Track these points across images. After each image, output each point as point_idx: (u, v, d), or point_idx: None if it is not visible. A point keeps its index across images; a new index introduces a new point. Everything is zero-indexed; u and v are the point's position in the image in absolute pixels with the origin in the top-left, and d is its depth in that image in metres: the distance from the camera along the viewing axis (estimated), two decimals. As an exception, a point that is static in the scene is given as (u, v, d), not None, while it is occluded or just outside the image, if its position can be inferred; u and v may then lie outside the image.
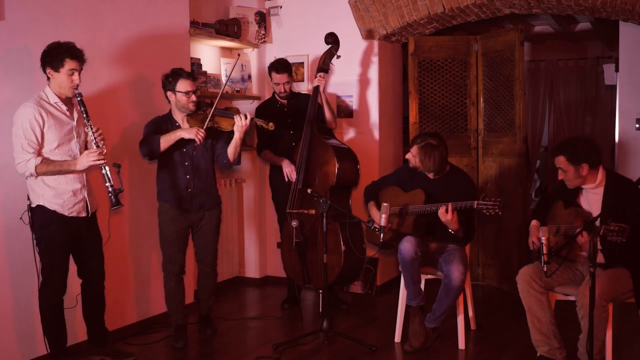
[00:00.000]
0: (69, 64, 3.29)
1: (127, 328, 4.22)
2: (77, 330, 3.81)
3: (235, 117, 3.85)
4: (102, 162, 3.33)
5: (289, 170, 4.59)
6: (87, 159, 3.32)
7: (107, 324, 3.94)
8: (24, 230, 3.52)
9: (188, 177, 3.95)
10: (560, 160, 3.38)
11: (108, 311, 3.93)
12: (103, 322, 3.77)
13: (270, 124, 3.92)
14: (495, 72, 5.24)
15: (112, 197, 3.38)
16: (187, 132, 3.82)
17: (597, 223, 3.04)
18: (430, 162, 3.83)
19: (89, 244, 3.58)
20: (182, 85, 3.86)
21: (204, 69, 5.04)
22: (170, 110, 4.02)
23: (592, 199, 3.45)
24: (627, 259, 3.32)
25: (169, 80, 3.89)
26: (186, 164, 3.94)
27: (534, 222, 3.59)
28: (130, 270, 4.26)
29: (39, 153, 3.29)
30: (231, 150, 3.94)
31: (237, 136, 3.88)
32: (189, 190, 3.95)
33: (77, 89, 3.33)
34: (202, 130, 3.81)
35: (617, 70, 5.66)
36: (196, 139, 3.80)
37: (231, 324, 4.47)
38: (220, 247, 5.21)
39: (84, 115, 3.34)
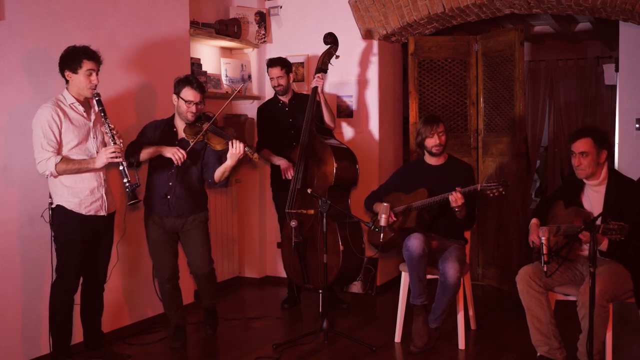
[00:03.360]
0: (87, 65, 3.39)
1: (126, 328, 4.22)
2: (73, 331, 3.79)
3: (229, 142, 3.75)
4: (119, 159, 3.40)
5: (285, 167, 4.58)
6: (105, 156, 3.39)
7: (107, 324, 3.95)
8: (41, 231, 3.59)
9: (171, 184, 3.89)
10: (585, 142, 3.37)
11: (108, 311, 3.94)
12: (100, 325, 3.78)
13: (255, 155, 3.80)
14: (495, 72, 5.24)
15: (129, 192, 3.46)
16: (168, 150, 3.76)
17: (598, 222, 3.04)
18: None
19: (104, 243, 3.66)
20: (186, 93, 3.82)
21: (204, 69, 5.04)
22: (173, 114, 3.99)
23: (593, 197, 3.46)
24: (627, 259, 3.33)
25: (178, 84, 3.88)
26: (172, 171, 3.87)
27: (534, 221, 3.59)
28: (131, 270, 4.26)
29: (58, 152, 3.36)
30: (219, 172, 3.86)
31: (229, 163, 3.79)
32: (168, 197, 3.89)
33: (95, 89, 3.43)
34: (183, 152, 3.73)
35: (617, 70, 5.65)
36: (174, 159, 3.75)
37: (231, 324, 4.46)
38: (220, 247, 5.25)
39: (102, 114, 3.43)
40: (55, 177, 3.37)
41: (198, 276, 4.10)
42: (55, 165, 3.32)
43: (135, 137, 3.94)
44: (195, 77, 3.99)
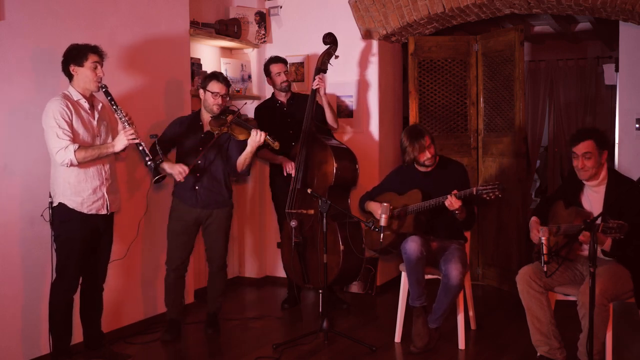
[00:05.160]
0: (93, 58, 3.44)
1: (126, 328, 4.22)
2: (73, 331, 3.79)
3: (252, 131, 3.92)
4: (137, 140, 3.46)
5: (289, 166, 4.58)
6: (126, 138, 3.43)
7: (107, 324, 3.95)
8: (42, 231, 3.59)
9: (198, 175, 4.02)
10: (589, 144, 3.38)
11: (108, 311, 3.94)
12: (100, 325, 3.79)
13: (276, 143, 3.97)
14: (495, 72, 5.24)
15: (153, 169, 3.53)
16: (171, 168, 3.92)
17: (598, 222, 3.04)
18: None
19: (103, 243, 3.66)
20: (213, 85, 4.02)
21: (204, 69, 5.04)
22: (200, 109, 4.16)
23: (593, 198, 3.46)
24: (627, 258, 3.33)
25: (205, 79, 4.09)
26: (199, 162, 4.00)
27: (533, 218, 3.60)
28: (133, 270, 4.26)
29: (73, 141, 3.35)
30: (241, 160, 4.02)
31: (248, 149, 3.96)
32: (196, 188, 4.03)
33: (100, 82, 3.47)
34: (184, 168, 3.89)
35: (617, 70, 5.65)
36: (176, 177, 3.91)
37: (231, 324, 4.46)
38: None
39: (112, 102, 3.47)
40: (76, 165, 3.35)
41: (212, 265, 4.20)
42: (75, 152, 3.31)
43: (162, 134, 4.07)
44: (220, 72, 4.20)
